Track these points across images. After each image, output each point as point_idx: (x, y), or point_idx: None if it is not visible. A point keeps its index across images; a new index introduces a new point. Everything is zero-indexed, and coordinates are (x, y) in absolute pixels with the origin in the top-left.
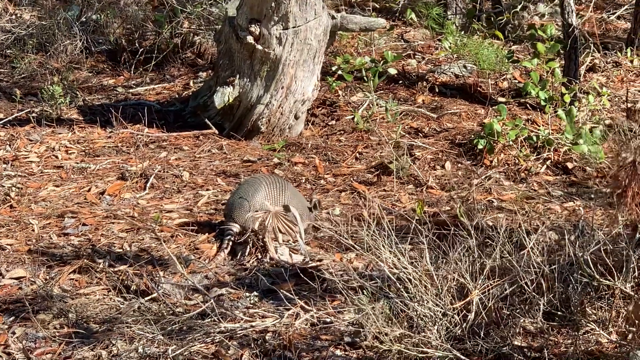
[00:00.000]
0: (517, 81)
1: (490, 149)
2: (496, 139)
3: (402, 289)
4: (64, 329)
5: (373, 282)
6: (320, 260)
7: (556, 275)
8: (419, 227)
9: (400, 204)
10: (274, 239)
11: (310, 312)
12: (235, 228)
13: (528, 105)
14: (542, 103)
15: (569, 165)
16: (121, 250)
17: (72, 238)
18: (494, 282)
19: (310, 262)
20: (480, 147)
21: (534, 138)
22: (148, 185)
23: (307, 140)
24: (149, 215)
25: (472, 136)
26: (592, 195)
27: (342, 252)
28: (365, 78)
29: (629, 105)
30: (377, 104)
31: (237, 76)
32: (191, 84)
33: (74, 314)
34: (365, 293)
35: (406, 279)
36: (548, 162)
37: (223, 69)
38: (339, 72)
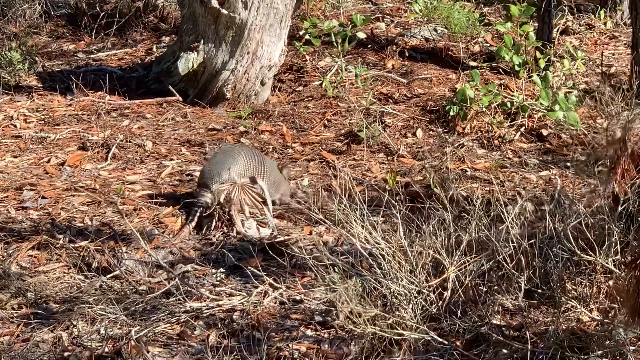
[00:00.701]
0: (488, 45)
1: (463, 115)
2: (469, 105)
3: (375, 266)
4: (22, 309)
5: (344, 257)
6: (288, 234)
7: (536, 250)
8: (392, 200)
9: (370, 173)
10: (240, 211)
11: (279, 289)
12: (208, 199)
13: (501, 69)
14: (516, 68)
15: (544, 132)
16: (82, 224)
17: (30, 212)
18: (471, 258)
19: (278, 236)
20: (452, 113)
21: (508, 104)
22: (110, 155)
23: (274, 107)
24: (111, 187)
25: (444, 102)
26: (568, 164)
27: (312, 226)
28: (334, 43)
29: (604, 69)
30: (345, 69)
31: (202, 41)
32: (154, 49)
33: (33, 293)
34: (336, 270)
35: (379, 255)
36: (522, 129)
37: (187, 33)
38: (307, 36)
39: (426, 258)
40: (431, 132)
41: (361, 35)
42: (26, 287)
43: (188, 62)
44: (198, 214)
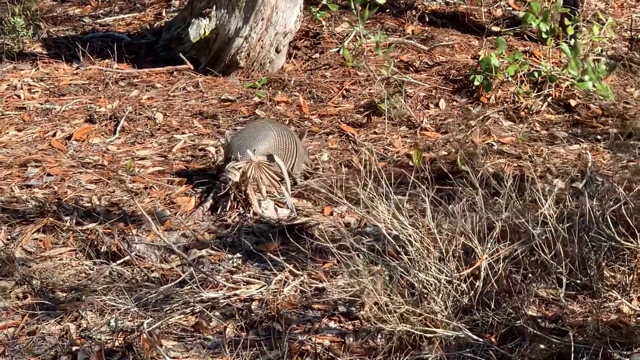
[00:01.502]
0: (511, 9)
1: (487, 85)
2: (494, 74)
3: (402, 253)
4: (27, 299)
5: (368, 241)
6: (308, 215)
7: (575, 237)
8: (418, 181)
9: (393, 148)
10: (257, 191)
11: (300, 277)
12: (236, 175)
13: (525, 36)
14: (544, 36)
15: (572, 102)
16: (90, 204)
17: (35, 191)
18: (504, 245)
19: (297, 218)
20: (476, 83)
21: (535, 74)
22: (118, 128)
23: (290, 76)
24: (120, 164)
25: (468, 71)
26: (599, 137)
27: (333, 206)
28: (352, 8)
29: (632, 34)
30: (364, 36)
31: (214, 7)
32: (163, 13)
33: (39, 280)
34: (360, 257)
35: (406, 241)
36: (549, 100)
37: None
38: (324, 1)
39: (457, 244)
40: (455, 103)
41: (381, 0)
42: (31, 274)
43: (200, 28)
44: (222, 191)
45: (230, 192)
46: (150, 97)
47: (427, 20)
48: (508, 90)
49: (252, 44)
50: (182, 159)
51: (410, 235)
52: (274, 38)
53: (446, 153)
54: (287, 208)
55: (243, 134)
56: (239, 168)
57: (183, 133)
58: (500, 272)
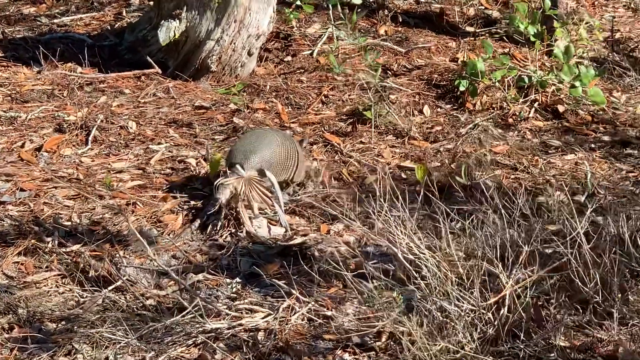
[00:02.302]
0: (483, 7)
1: (473, 90)
2: (480, 79)
3: (418, 277)
4: (14, 330)
5: (373, 262)
6: (304, 234)
7: (603, 259)
8: (422, 196)
9: (382, 159)
10: (247, 207)
11: (307, 304)
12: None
13: (504, 37)
14: (532, 39)
15: (560, 108)
16: (70, 223)
17: (9, 208)
18: (530, 271)
19: (293, 236)
20: (462, 89)
21: (526, 79)
22: (90, 139)
23: (264, 81)
24: (97, 177)
25: (451, 76)
26: (593, 145)
27: (329, 223)
28: (328, 9)
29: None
30: (337, 37)
31: (184, 8)
32: (124, 13)
33: (24, 309)
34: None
35: (423, 266)
36: (536, 105)
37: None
38: (297, 2)
39: (479, 269)
40: (439, 109)
41: (357, 1)
42: (16, 302)
43: (169, 31)
44: (212, 209)
45: (221, 209)
46: (120, 104)
47: (400, 20)
48: (493, 96)
49: (224, 47)
50: (162, 171)
51: (427, 259)
52: (247, 40)
53: (438, 164)
54: (280, 226)
55: (246, 140)
56: (229, 184)
57: (159, 143)
58: (527, 300)
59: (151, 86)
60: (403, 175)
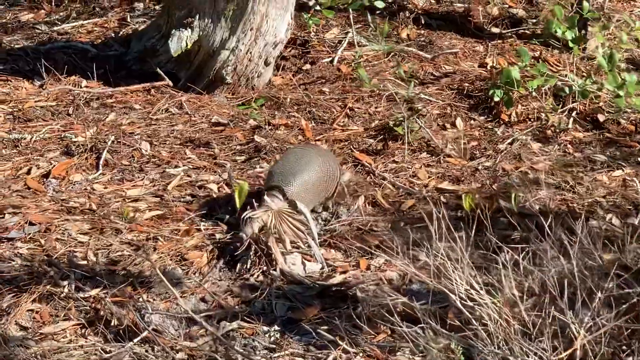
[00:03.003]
0: (507, 6)
1: (509, 101)
2: (516, 89)
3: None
4: None
5: (422, 303)
6: (344, 271)
7: None
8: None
9: (418, 180)
10: (278, 242)
11: (356, 356)
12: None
13: (534, 39)
14: (570, 44)
15: (600, 117)
16: (86, 262)
17: (19, 245)
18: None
19: (331, 274)
20: (496, 99)
21: (566, 89)
22: (101, 162)
23: (284, 93)
24: (111, 207)
25: (482, 84)
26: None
27: (368, 258)
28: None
29: None
30: (358, 43)
31: (197, 16)
32: (128, 19)
33: None
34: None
35: (481, 311)
36: (574, 114)
37: (178, 7)
38: (316, 6)
39: (544, 317)
40: (472, 122)
41: (380, 4)
42: (32, 358)
43: (181, 41)
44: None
45: (250, 245)
46: (130, 121)
47: (423, 22)
48: (528, 106)
49: (240, 56)
50: (181, 199)
51: (486, 305)
52: (263, 49)
53: (479, 185)
54: (316, 262)
55: (285, 161)
56: (257, 217)
57: (176, 166)
58: (602, 349)
59: (163, 101)
60: (442, 199)
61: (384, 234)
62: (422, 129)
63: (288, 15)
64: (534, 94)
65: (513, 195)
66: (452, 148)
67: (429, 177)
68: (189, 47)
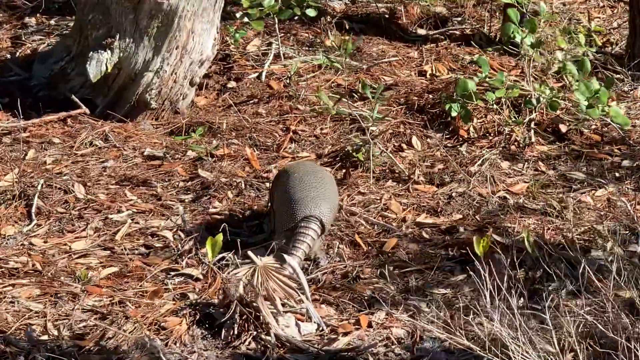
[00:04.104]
0: (427, 4)
1: (466, 115)
2: (474, 101)
3: None
4: None
5: None
6: (346, 332)
7: None
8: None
9: (392, 214)
10: (266, 299)
11: None
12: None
13: (471, 42)
14: (530, 51)
15: (562, 128)
16: (47, 337)
17: None
18: None
19: (332, 336)
20: (453, 114)
21: (534, 101)
22: (33, 211)
23: (219, 118)
24: (58, 266)
25: (431, 97)
26: (617, 174)
27: (367, 312)
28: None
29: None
30: (284, 55)
31: (117, 36)
32: (23, 37)
33: None
34: None
35: None
36: (532, 125)
37: (94, 26)
38: (244, 18)
39: None
40: (430, 140)
41: (311, 13)
42: None
43: (100, 64)
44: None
45: (235, 308)
46: (54, 159)
47: (347, 27)
48: (485, 119)
49: (165, 78)
50: (135, 250)
51: None
52: (189, 68)
53: (460, 217)
54: (312, 322)
55: (303, 184)
56: (242, 276)
57: (119, 211)
58: None
59: (84, 133)
60: (424, 234)
61: (373, 282)
62: (383, 154)
63: (214, 30)
64: (494, 106)
65: (526, 235)
66: (419, 174)
67: (404, 209)
68: (109, 70)
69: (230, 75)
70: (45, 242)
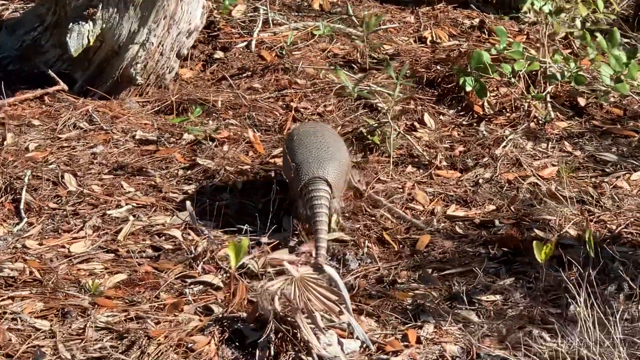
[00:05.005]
0: None
1: (481, 90)
2: (489, 75)
3: None
4: None
5: None
6: (396, 350)
7: None
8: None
9: (417, 205)
10: (305, 315)
11: None
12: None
13: (472, 5)
14: (549, 18)
15: (581, 101)
16: None
17: None
18: None
19: (380, 355)
20: (468, 88)
21: (558, 76)
22: (22, 207)
23: (214, 96)
24: (59, 273)
25: (440, 69)
26: None
27: (413, 327)
28: None
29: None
30: (273, 21)
31: (100, 6)
32: None
33: None
34: None
35: None
36: (549, 99)
37: None
38: None
39: None
40: (443, 117)
41: None
42: None
43: (82, 37)
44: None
45: (272, 324)
46: (37, 145)
47: None
48: (499, 93)
49: (151, 51)
50: (143, 254)
51: None
52: (176, 39)
53: (494, 208)
54: (355, 339)
55: (306, 144)
56: (277, 289)
57: (118, 206)
58: None
59: (65, 113)
60: (459, 230)
61: (412, 288)
62: (399, 135)
63: None
64: (512, 79)
65: (588, 235)
66: (441, 158)
67: (430, 199)
68: (91, 43)
69: (216, 45)
70: (40, 244)
